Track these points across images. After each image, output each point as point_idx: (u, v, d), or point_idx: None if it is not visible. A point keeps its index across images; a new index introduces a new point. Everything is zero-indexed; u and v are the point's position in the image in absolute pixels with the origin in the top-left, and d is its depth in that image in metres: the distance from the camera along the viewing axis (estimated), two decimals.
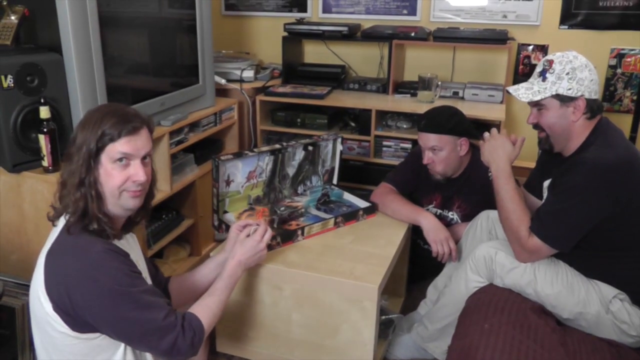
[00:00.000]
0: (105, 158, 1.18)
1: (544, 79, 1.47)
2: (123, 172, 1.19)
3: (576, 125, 1.48)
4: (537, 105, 1.51)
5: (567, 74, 1.44)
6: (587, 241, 1.45)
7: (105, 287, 1.11)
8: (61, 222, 1.21)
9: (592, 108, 1.47)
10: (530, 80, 1.53)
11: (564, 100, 1.46)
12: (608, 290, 1.46)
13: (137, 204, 1.25)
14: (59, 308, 1.13)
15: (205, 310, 1.28)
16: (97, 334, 1.17)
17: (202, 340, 1.23)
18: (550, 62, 1.48)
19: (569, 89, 1.44)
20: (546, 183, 1.60)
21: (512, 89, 1.54)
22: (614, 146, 1.44)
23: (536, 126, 1.54)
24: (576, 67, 1.45)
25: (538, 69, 1.51)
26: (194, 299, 1.37)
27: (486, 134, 1.67)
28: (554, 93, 1.46)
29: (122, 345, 1.20)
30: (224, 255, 1.54)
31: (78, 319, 1.13)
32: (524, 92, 1.50)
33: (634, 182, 1.40)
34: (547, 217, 1.46)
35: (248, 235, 1.51)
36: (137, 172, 1.20)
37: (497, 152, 1.60)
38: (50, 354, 1.19)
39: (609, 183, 1.37)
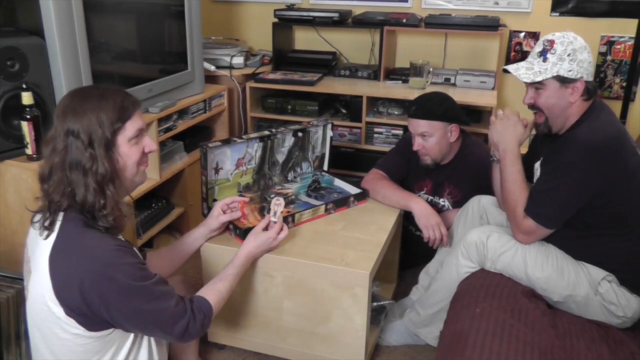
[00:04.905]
0: (121, 140, 1.18)
1: (545, 60, 1.45)
2: (136, 146, 1.21)
3: (573, 107, 1.47)
4: (535, 84, 1.49)
5: (569, 55, 1.43)
6: (577, 219, 1.46)
7: (122, 285, 1.11)
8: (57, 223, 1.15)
9: (589, 90, 1.47)
10: (529, 59, 1.50)
11: (564, 81, 1.45)
12: (597, 272, 1.48)
13: (146, 178, 1.30)
14: (72, 312, 1.11)
15: (215, 294, 1.33)
16: (111, 330, 1.17)
17: (210, 322, 1.29)
18: (551, 42, 1.45)
19: (570, 71, 1.43)
20: (537, 164, 1.60)
21: (512, 68, 1.51)
22: (604, 124, 1.45)
23: (533, 107, 1.52)
24: (577, 48, 1.44)
25: (537, 49, 1.49)
26: (173, 272, 1.55)
27: (499, 112, 1.64)
28: (555, 74, 1.44)
29: (131, 335, 1.22)
30: (203, 229, 1.62)
31: (95, 318, 1.12)
32: (524, 72, 1.47)
33: (623, 159, 1.41)
34: (539, 196, 1.47)
35: (265, 229, 1.55)
36: (151, 142, 1.25)
37: (508, 132, 1.58)
38: (58, 355, 1.17)
39: (599, 160, 1.38)
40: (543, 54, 1.46)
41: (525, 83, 1.51)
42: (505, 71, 1.55)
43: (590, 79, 1.46)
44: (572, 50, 1.43)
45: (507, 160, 1.56)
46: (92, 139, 1.13)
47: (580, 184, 1.40)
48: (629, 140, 1.47)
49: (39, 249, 1.15)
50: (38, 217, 1.17)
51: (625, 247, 1.48)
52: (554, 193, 1.43)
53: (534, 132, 1.62)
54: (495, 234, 1.56)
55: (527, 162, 1.61)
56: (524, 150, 1.82)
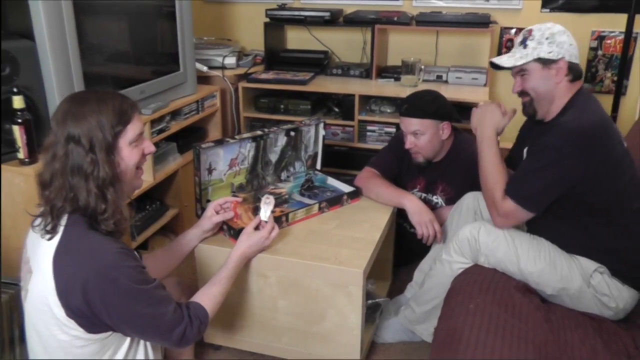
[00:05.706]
0: (123, 143, 1.18)
1: (525, 46, 1.52)
2: (137, 149, 1.22)
3: (559, 88, 1.51)
4: (520, 72, 1.55)
5: (547, 38, 1.50)
6: (563, 209, 1.48)
7: (123, 287, 1.11)
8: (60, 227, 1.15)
9: (573, 70, 1.51)
10: (512, 50, 1.58)
11: (545, 63, 1.50)
12: (588, 265, 1.49)
13: (142, 183, 1.32)
14: (73, 313, 1.11)
15: (210, 299, 1.34)
16: (109, 332, 1.17)
17: (206, 328, 1.30)
18: (530, 31, 1.53)
19: (550, 52, 1.49)
20: (525, 150, 1.63)
21: (495, 58, 1.59)
22: (590, 112, 1.48)
23: (521, 93, 1.58)
24: (555, 32, 1.50)
25: (519, 40, 1.56)
26: (168, 274, 1.54)
27: (480, 102, 1.71)
28: (535, 57, 1.50)
29: (128, 338, 1.23)
30: (196, 230, 1.62)
31: (94, 320, 1.12)
32: (506, 60, 1.55)
33: (607, 146, 1.44)
34: (520, 177, 1.50)
35: (257, 228, 1.55)
36: (150, 144, 1.26)
37: (485, 118, 1.64)
38: (52, 356, 1.17)
39: (583, 145, 1.41)
40: (523, 42, 1.53)
41: (513, 73, 1.56)
42: (492, 65, 1.60)
43: (575, 60, 1.51)
44: (550, 34, 1.50)
45: (484, 144, 1.60)
46: (93, 143, 1.13)
47: (562, 167, 1.42)
48: (614, 129, 1.50)
49: (41, 249, 1.14)
50: (38, 221, 1.17)
51: (611, 236, 1.49)
52: (535, 174, 1.46)
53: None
54: (486, 227, 1.57)
55: (516, 149, 1.64)
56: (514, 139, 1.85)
